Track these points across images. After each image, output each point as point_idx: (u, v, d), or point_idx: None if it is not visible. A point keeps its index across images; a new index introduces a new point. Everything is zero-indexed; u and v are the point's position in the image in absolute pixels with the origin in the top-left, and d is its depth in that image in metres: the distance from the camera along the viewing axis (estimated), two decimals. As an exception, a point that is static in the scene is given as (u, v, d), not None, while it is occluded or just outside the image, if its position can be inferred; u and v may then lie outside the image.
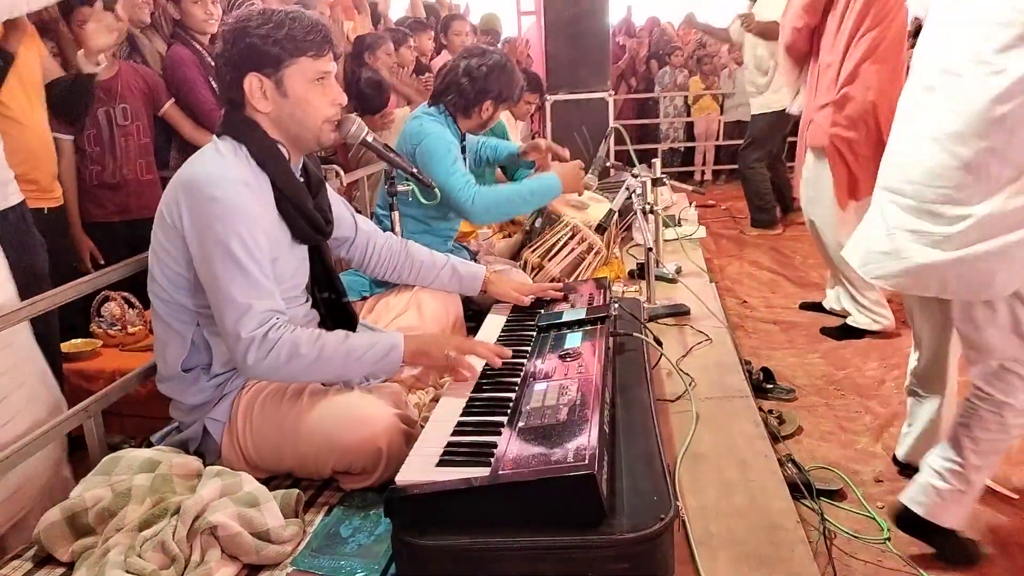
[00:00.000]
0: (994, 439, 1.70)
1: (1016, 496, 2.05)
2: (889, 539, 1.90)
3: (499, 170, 2.94)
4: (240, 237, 1.29)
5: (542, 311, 1.82)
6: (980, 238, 1.53)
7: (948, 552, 1.78)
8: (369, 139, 1.63)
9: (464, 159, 2.32)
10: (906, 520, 1.79)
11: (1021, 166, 1.49)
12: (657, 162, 2.69)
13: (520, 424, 1.21)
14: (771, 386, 2.70)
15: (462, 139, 2.31)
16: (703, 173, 7.17)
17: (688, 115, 7.07)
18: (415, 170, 1.80)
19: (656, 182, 2.68)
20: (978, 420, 1.70)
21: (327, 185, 1.66)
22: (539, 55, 6.03)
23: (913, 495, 1.79)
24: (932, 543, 1.78)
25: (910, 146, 1.66)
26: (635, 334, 1.70)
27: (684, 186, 3.01)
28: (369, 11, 4.38)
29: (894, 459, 2.19)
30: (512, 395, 1.36)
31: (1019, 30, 1.45)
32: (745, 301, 3.75)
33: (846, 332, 3.17)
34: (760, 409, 2.46)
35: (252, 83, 1.39)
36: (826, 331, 3.23)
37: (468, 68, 2.20)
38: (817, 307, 3.50)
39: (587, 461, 1.05)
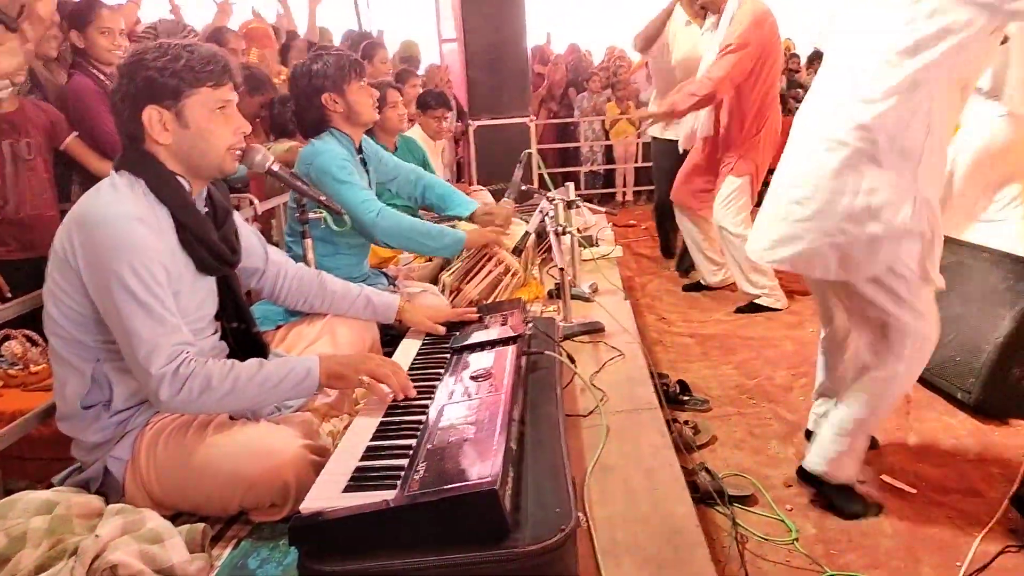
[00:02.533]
0: (882, 393, 1.96)
1: (914, 491, 2.17)
2: (797, 540, 1.99)
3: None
4: (137, 273, 1.27)
5: (457, 333, 1.85)
6: (851, 225, 1.76)
7: (845, 505, 2.05)
8: (275, 168, 1.63)
9: (369, 177, 2.35)
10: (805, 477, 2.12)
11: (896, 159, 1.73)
12: (570, 185, 2.76)
13: (428, 446, 1.23)
14: (687, 398, 2.80)
15: (359, 151, 2.34)
16: (624, 194, 7.37)
17: (607, 139, 7.27)
18: (323, 198, 1.81)
19: (570, 204, 2.76)
20: (869, 379, 1.95)
21: (236, 215, 1.65)
22: (461, 81, 6.12)
23: (812, 457, 2.08)
24: (830, 499, 2.07)
25: (800, 143, 1.91)
26: (548, 352, 1.75)
27: (597, 208, 3.10)
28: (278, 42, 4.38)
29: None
30: (423, 417, 1.38)
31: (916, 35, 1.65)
32: (664, 317, 3.86)
33: (755, 308, 3.80)
34: (676, 420, 2.57)
35: (151, 115, 1.38)
36: (740, 310, 3.83)
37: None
38: (697, 287, 4.25)
39: (490, 478, 1.08)
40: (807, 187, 1.82)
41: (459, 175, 6.23)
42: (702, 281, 4.25)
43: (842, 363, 2.19)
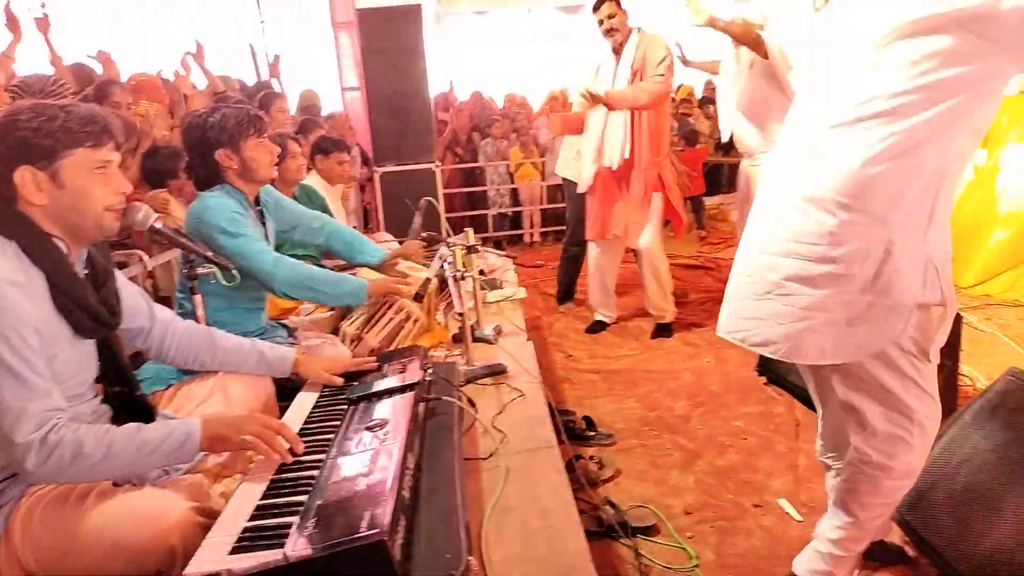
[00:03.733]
0: (881, 503, 1.73)
1: (801, 519, 2.27)
2: (698, 566, 2.07)
3: None
4: (4, 336, 1.23)
5: (355, 383, 1.85)
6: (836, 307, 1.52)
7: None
8: (157, 226, 1.61)
9: (266, 229, 2.33)
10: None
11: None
12: (470, 231, 2.82)
13: (319, 501, 1.23)
14: (593, 433, 2.86)
15: (256, 204, 2.32)
16: (531, 235, 7.50)
17: (512, 182, 7.43)
18: (210, 253, 1.79)
19: (471, 249, 2.81)
20: (864, 483, 1.70)
21: (119, 274, 1.61)
22: (365, 129, 6.15)
23: (807, 564, 1.84)
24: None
25: (779, 204, 1.62)
26: (446, 398, 1.77)
27: (497, 252, 3.17)
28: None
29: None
30: (315, 472, 1.37)
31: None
32: (571, 355, 3.95)
33: (663, 329, 4.11)
34: (581, 456, 2.62)
35: (24, 176, 1.35)
36: (657, 335, 4.10)
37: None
38: (600, 326, 4.32)
39: (379, 529, 1.09)
40: (796, 258, 1.55)
41: (366, 222, 6.22)
42: (604, 320, 4.36)
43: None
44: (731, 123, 4.06)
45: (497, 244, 7.40)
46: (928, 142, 1.43)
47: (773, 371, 3.26)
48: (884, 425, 1.62)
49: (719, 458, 2.68)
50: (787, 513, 2.30)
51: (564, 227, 7.36)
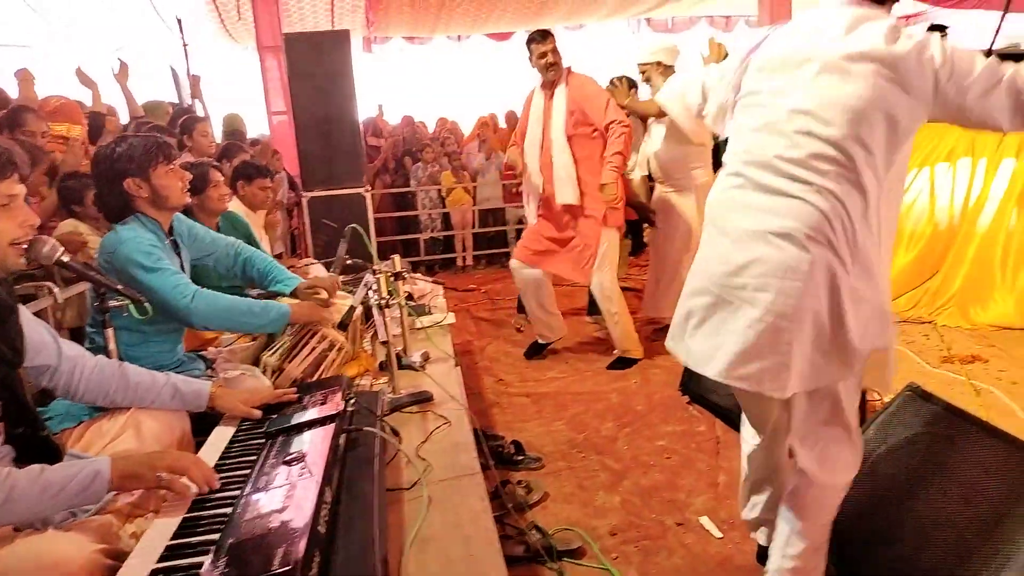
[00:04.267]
0: (828, 516, 1.80)
1: (721, 535, 2.35)
2: (622, 586, 2.10)
3: None
4: None
5: (274, 416, 1.83)
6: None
7: None
8: (65, 259, 1.56)
9: (181, 259, 2.29)
10: None
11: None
12: (396, 257, 2.82)
13: (232, 540, 1.21)
14: (521, 457, 2.88)
15: (169, 234, 2.28)
16: (464, 259, 7.54)
17: (444, 206, 7.46)
18: (120, 287, 1.75)
19: (397, 276, 2.81)
20: (812, 502, 1.78)
21: (23, 310, 1.56)
22: (292, 153, 6.08)
23: None
24: None
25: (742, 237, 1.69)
26: (367, 429, 1.76)
27: (424, 278, 3.18)
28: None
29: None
30: (230, 510, 1.35)
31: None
32: (502, 379, 3.97)
33: (627, 363, 4.00)
34: (509, 481, 2.64)
35: (-80, 212, 1.30)
36: (612, 366, 4.00)
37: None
38: (538, 349, 4.27)
39: (291, 566, 1.08)
40: (769, 290, 1.61)
41: (294, 247, 6.13)
42: (544, 342, 4.29)
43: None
44: (651, 152, 4.24)
45: (429, 268, 7.40)
46: (873, 189, 1.57)
47: (695, 390, 3.36)
48: (833, 445, 1.73)
49: (644, 478, 2.73)
50: (707, 530, 2.36)
51: (496, 251, 7.47)
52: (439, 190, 7.40)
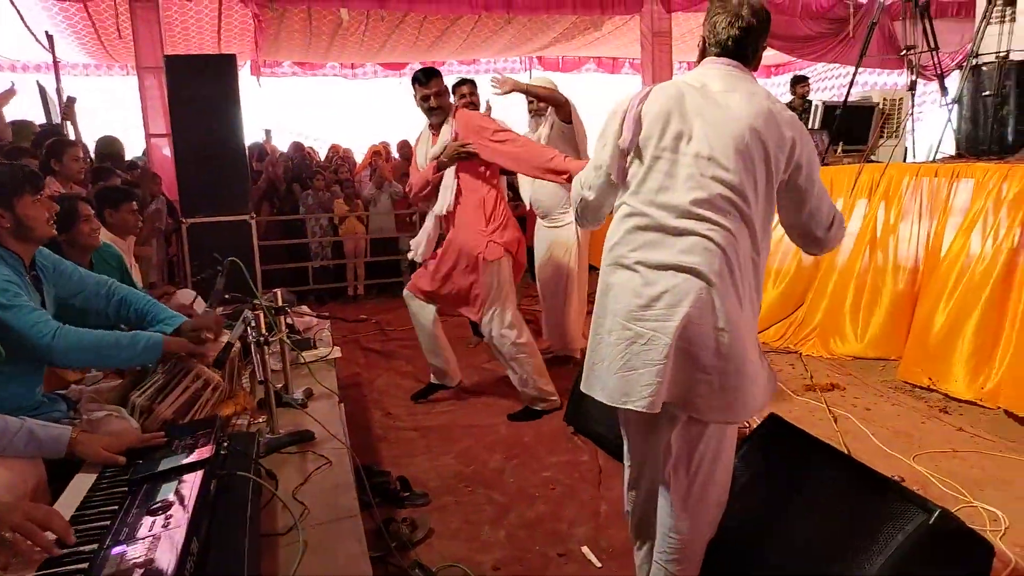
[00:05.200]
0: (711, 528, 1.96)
1: (600, 565, 2.40)
2: (505, 621, 2.11)
3: None
4: None
5: (140, 462, 1.74)
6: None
7: None
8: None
9: (44, 295, 2.15)
10: None
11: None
12: (279, 291, 2.76)
13: (85, 599, 1.14)
14: (407, 494, 2.86)
15: (31, 268, 2.15)
16: (355, 288, 7.42)
17: (336, 234, 7.34)
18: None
19: (279, 310, 2.74)
20: (675, 547, 1.92)
21: None
22: (172, 178, 5.84)
23: None
24: None
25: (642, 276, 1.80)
26: (240, 473, 1.71)
27: (308, 311, 3.12)
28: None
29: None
30: (87, 566, 1.27)
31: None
32: (390, 412, 3.92)
33: (533, 415, 3.74)
34: (394, 519, 2.61)
35: None
36: (514, 416, 3.75)
37: None
38: (430, 389, 4.10)
39: (149, 625, 1.04)
40: (679, 319, 1.73)
41: (171, 276, 5.85)
42: (438, 384, 4.11)
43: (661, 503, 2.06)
44: (530, 187, 4.35)
45: (319, 298, 7.24)
46: (758, 227, 1.77)
47: (579, 420, 3.44)
48: (712, 467, 1.89)
49: (529, 510, 2.77)
50: (589, 560, 2.42)
51: (388, 280, 7.40)
52: (330, 218, 7.28)
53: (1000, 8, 4.70)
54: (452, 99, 3.92)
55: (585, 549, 2.48)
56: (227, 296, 2.75)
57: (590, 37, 9.34)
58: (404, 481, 2.92)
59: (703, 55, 1.89)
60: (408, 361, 4.88)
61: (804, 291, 5.00)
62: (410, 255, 3.96)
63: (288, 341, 2.90)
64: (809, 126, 6.25)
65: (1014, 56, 4.71)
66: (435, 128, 3.74)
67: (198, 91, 5.47)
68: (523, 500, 2.85)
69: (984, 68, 4.85)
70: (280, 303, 2.76)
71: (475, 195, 3.67)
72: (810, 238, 1.90)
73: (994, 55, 4.71)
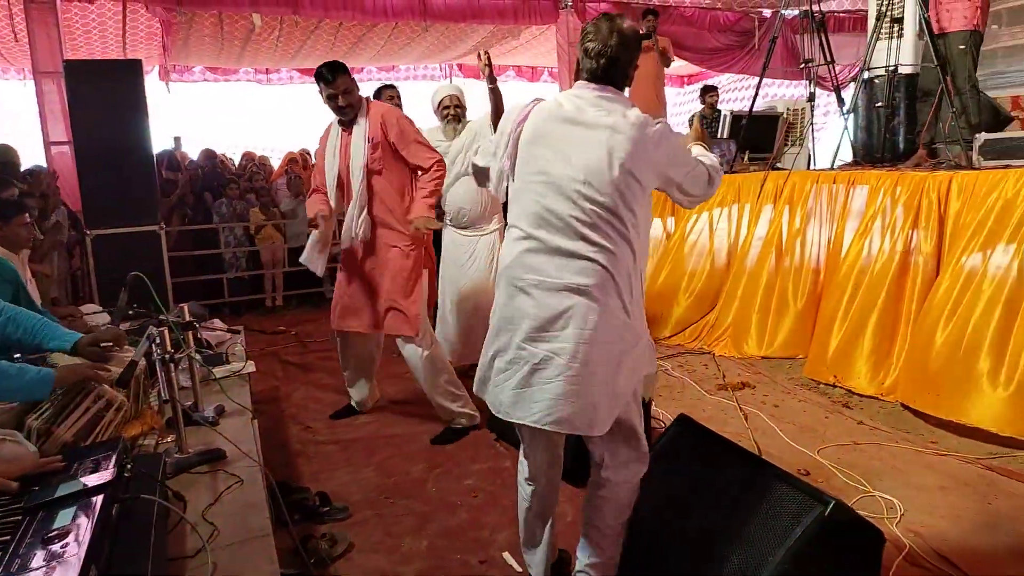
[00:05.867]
0: (627, 510, 2.11)
1: (521, 570, 2.41)
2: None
3: None
4: None
5: (36, 489, 1.65)
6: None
7: None
8: None
9: None
10: None
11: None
12: (186, 306, 2.68)
13: (-31, 638, 1.08)
14: (327, 509, 2.81)
15: None
16: (274, 299, 7.24)
17: (252, 244, 7.14)
18: None
19: (187, 326, 2.66)
20: (608, 507, 2.07)
21: None
22: (74, 188, 5.57)
23: None
24: None
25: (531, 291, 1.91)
26: (144, 496, 1.65)
27: (220, 325, 3.03)
28: None
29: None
30: (-28, 602, 1.21)
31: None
32: (309, 426, 3.85)
33: (456, 434, 3.58)
34: (312, 536, 2.56)
35: None
36: (437, 440, 3.53)
37: None
38: (350, 411, 3.95)
39: (38, 662, 0.99)
40: (572, 340, 1.85)
41: (75, 291, 5.58)
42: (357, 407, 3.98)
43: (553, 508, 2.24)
44: (460, 196, 4.28)
45: (235, 309, 7.03)
46: (637, 244, 1.92)
47: (502, 426, 3.46)
48: (631, 453, 2.06)
49: (450, 518, 2.77)
50: (510, 565, 2.44)
51: (308, 291, 7.24)
52: (245, 227, 7.08)
53: (888, 25, 5.01)
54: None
55: (506, 555, 2.50)
56: (131, 312, 2.64)
57: (508, 46, 9.42)
58: (323, 496, 2.87)
59: (577, 77, 2.01)
60: (328, 373, 4.79)
61: (716, 294, 5.19)
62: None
63: (198, 357, 2.83)
64: (718, 135, 6.50)
65: (902, 69, 5.03)
66: (346, 127, 3.51)
67: (101, 97, 5.25)
68: (445, 509, 2.85)
69: (876, 81, 5.17)
70: (187, 318, 2.69)
71: (391, 195, 3.50)
72: (688, 201, 2.08)
73: (884, 69, 5.02)
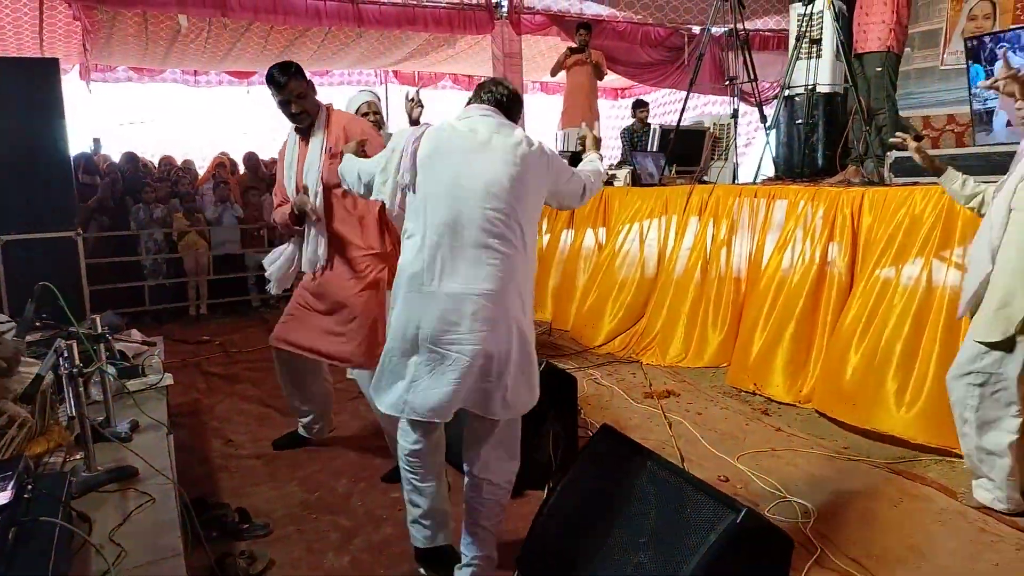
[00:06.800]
0: (502, 510, 2.31)
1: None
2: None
3: None
4: None
5: (-78, 514, 1.56)
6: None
7: None
8: None
9: None
10: None
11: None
12: (98, 318, 2.57)
13: None
14: (246, 526, 2.74)
15: None
16: (198, 308, 7.03)
17: (174, 251, 6.91)
18: None
19: (99, 338, 2.56)
20: (494, 503, 2.27)
21: None
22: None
23: None
24: None
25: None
26: (46, 518, 1.58)
27: (135, 337, 2.93)
28: None
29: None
30: None
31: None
32: (231, 440, 3.74)
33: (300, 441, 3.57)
34: (230, 553, 2.50)
35: None
36: (388, 478, 3.14)
37: None
38: (294, 440, 3.59)
39: None
40: (478, 341, 2.06)
41: (-18, 300, 5.28)
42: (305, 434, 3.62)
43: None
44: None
45: (157, 318, 6.79)
46: (529, 252, 2.17)
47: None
48: (507, 453, 2.27)
49: (375, 533, 2.74)
50: (431, 578, 2.43)
51: (234, 299, 7.05)
52: (167, 233, 6.85)
53: (807, 45, 5.23)
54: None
55: (422, 571, 2.47)
56: (38, 323, 2.52)
57: (444, 54, 9.43)
58: (243, 512, 2.79)
59: (470, 103, 2.25)
60: (253, 385, 4.68)
61: (645, 304, 5.29)
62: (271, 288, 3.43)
63: (112, 370, 2.73)
64: (648, 148, 6.65)
65: (820, 88, 5.26)
66: (303, 134, 3.18)
67: (14, 96, 5.00)
68: (370, 523, 2.81)
69: (796, 99, 5.38)
70: (100, 329, 2.59)
71: (350, 214, 3.16)
72: (563, 207, 2.46)
73: (803, 87, 5.24)
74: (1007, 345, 2.57)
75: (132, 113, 9.77)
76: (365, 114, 4.02)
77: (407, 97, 3.77)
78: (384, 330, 2.89)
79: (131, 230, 6.72)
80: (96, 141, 7.54)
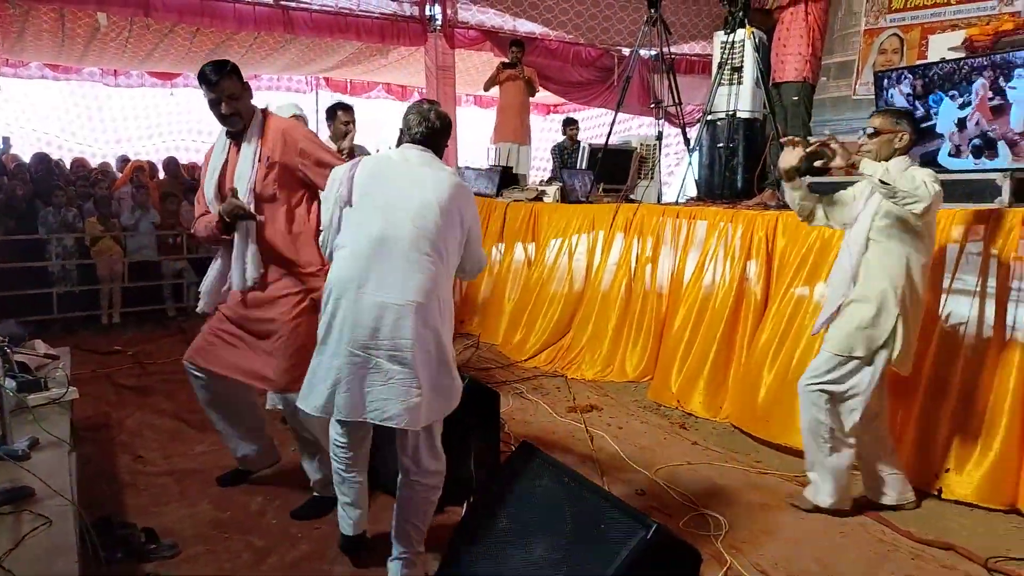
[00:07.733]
0: (431, 508, 2.45)
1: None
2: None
3: None
4: None
5: None
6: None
7: None
8: None
9: None
10: None
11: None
12: (-5, 328, 2.44)
13: None
14: (153, 546, 2.64)
15: None
16: (111, 316, 6.73)
17: (86, 256, 6.60)
18: None
19: (-4, 350, 2.43)
20: (425, 501, 2.41)
21: None
22: None
23: None
24: None
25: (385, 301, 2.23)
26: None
27: (39, 348, 2.78)
28: None
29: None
30: None
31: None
32: (141, 456, 3.59)
33: (325, 505, 2.97)
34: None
35: None
36: (299, 513, 2.97)
37: None
38: (239, 476, 3.29)
39: None
40: (401, 348, 2.21)
41: None
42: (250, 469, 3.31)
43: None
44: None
45: (66, 327, 6.47)
46: (451, 268, 2.38)
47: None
48: (432, 456, 2.40)
49: (290, 551, 2.68)
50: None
51: (150, 308, 6.78)
52: (79, 238, 6.55)
53: (729, 73, 5.43)
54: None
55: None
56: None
57: (377, 63, 9.37)
58: (150, 532, 2.68)
59: (400, 142, 2.45)
60: (167, 397, 4.50)
61: (571, 318, 5.36)
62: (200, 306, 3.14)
63: (12, 383, 2.59)
64: (577, 166, 6.76)
65: (741, 114, 5.46)
66: (235, 139, 2.91)
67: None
68: (285, 542, 2.75)
69: (718, 123, 5.57)
70: (-2, 341, 2.46)
71: (281, 225, 2.91)
72: (463, 268, 2.49)
73: (724, 113, 5.43)
74: (868, 359, 2.85)
75: (46, 111, 9.32)
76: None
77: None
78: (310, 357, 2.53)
79: (39, 234, 6.39)
80: (5, 140, 7.16)
